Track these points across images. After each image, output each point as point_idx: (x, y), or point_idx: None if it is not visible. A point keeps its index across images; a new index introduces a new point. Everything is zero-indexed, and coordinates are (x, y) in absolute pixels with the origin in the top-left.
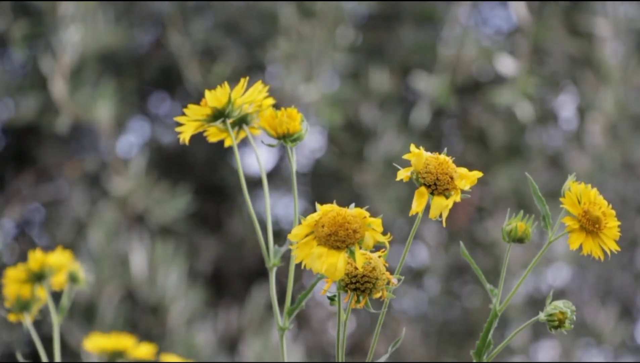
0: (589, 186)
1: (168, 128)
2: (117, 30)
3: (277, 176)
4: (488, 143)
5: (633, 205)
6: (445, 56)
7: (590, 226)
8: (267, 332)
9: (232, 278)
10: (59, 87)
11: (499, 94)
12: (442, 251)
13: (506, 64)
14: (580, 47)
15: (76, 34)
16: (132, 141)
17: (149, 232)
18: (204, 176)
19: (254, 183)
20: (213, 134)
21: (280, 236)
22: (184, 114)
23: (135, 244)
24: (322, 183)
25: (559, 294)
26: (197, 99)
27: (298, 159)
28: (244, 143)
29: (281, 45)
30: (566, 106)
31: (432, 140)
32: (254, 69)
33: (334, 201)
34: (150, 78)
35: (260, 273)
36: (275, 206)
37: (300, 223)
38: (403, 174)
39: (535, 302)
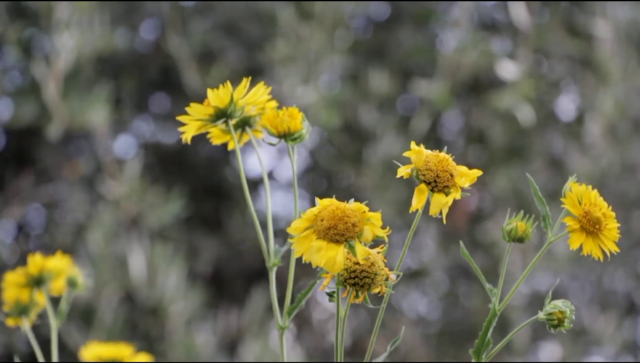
0: (590, 187)
1: (167, 129)
2: (114, 33)
3: (276, 177)
4: (488, 144)
5: (633, 206)
6: (445, 59)
7: (591, 227)
8: (267, 333)
9: (232, 279)
10: (51, 93)
11: (499, 97)
12: (442, 252)
13: (506, 67)
14: (580, 49)
15: (70, 39)
16: (129, 143)
17: (147, 234)
18: (203, 177)
19: (254, 184)
20: (216, 137)
21: (279, 235)
22: (185, 113)
23: (134, 246)
24: (321, 185)
25: (559, 296)
26: (196, 100)
27: (299, 158)
28: (244, 144)
29: (280, 46)
30: (566, 107)
31: (432, 141)
32: (252, 71)
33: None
34: (149, 80)
35: (260, 274)
36: (273, 206)
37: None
38: (403, 171)
39: (536, 304)
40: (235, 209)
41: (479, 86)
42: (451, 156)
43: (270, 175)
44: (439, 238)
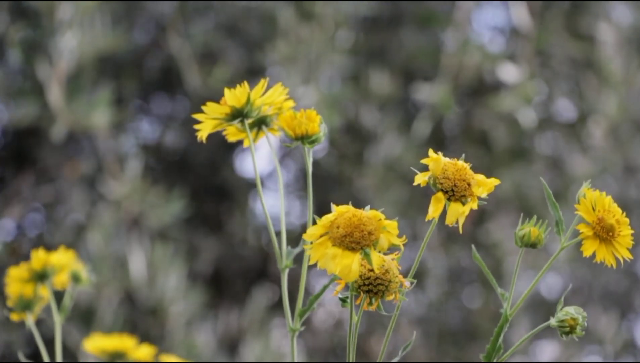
0: (604, 193)
1: (169, 130)
2: (116, 33)
3: (275, 178)
4: (490, 146)
5: (634, 208)
6: (447, 61)
7: (604, 233)
8: (267, 333)
9: (232, 279)
10: (55, 95)
11: (501, 100)
12: (443, 253)
13: (508, 70)
14: (582, 51)
15: (73, 40)
16: (130, 143)
17: (148, 234)
18: (204, 177)
19: (254, 185)
20: (232, 134)
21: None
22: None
23: (134, 246)
24: (322, 186)
25: (559, 296)
26: (197, 100)
27: (298, 162)
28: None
29: (280, 47)
30: (568, 109)
31: (434, 142)
32: (253, 71)
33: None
34: (150, 80)
35: (260, 274)
36: (273, 208)
37: (314, 223)
38: (421, 179)
39: (535, 304)
40: (235, 210)
41: (481, 88)
42: (458, 160)
43: (270, 176)
44: (441, 239)
